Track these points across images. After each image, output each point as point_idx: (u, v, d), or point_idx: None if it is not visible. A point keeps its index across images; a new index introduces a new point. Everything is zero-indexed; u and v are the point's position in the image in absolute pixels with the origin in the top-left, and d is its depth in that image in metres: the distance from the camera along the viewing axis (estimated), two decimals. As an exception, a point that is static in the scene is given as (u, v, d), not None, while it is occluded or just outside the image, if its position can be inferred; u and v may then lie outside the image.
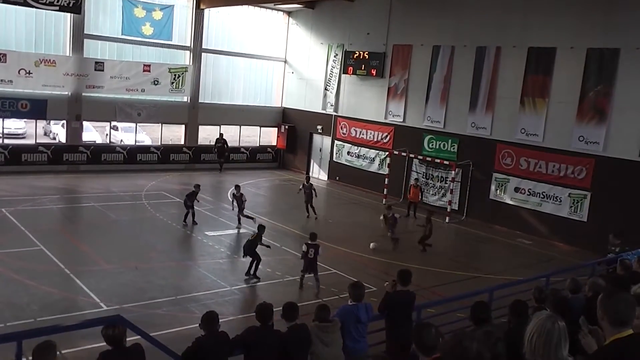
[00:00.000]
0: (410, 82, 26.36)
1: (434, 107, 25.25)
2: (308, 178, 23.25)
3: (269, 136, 33.31)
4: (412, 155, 25.52)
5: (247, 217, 19.47)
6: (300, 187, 22.34)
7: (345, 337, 7.48)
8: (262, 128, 32.69)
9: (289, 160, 32.78)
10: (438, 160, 24.55)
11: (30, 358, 5.27)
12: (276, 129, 32.94)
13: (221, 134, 29.94)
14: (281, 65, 33.05)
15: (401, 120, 26.68)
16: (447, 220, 23.35)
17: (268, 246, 15.47)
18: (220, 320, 6.75)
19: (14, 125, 30.26)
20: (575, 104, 20.66)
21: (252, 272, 14.85)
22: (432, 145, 25.33)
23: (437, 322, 9.05)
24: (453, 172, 23.76)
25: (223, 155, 29.95)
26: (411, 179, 25.85)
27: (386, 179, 26.03)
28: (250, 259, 14.93)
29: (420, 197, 23.83)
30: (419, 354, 4.42)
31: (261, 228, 15.32)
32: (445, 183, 24.65)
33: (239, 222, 19.49)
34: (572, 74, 20.78)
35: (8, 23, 25.15)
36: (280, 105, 33.21)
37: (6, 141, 26.21)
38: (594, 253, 18.17)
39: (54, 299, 12.43)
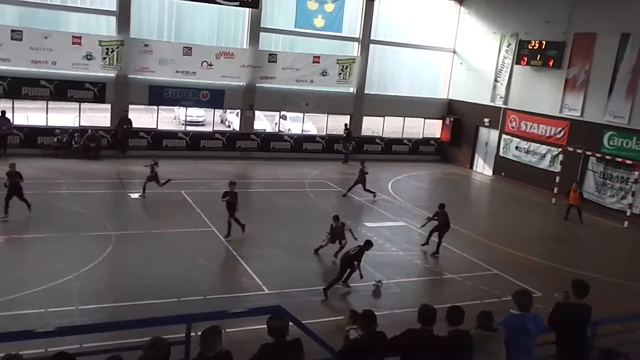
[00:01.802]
0: (591, 73, 24.21)
1: (618, 100, 22.94)
2: None
3: (433, 128, 32.61)
4: (588, 153, 23.45)
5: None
6: None
7: (510, 349, 6.89)
8: (426, 120, 32.07)
9: (452, 154, 31.83)
10: (619, 159, 22.30)
11: (199, 335, 5.46)
12: (441, 121, 32.13)
13: (346, 124, 29.27)
14: (449, 56, 32.10)
15: (578, 114, 24.63)
16: (625, 225, 21.20)
17: (361, 276, 13.26)
18: (377, 314, 6.53)
19: (195, 113, 32.61)
20: None
21: (343, 280, 13.24)
22: (614, 142, 23.07)
23: (616, 342, 8.14)
24: (636, 172, 21.45)
25: (346, 147, 28.78)
26: (586, 178, 23.80)
27: (557, 177, 24.21)
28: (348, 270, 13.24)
29: (580, 200, 21.64)
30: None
31: (367, 244, 13.43)
32: (627, 184, 22.34)
33: (335, 256, 15.06)
34: None
35: (194, 19, 27.07)
36: (446, 97, 32.31)
37: (188, 128, 28.35)
38: None
39: (222, 279, 13.11)
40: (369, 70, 30.28)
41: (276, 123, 30.94)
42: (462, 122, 31.09)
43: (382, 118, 30.83)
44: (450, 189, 25.45)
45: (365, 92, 30.21)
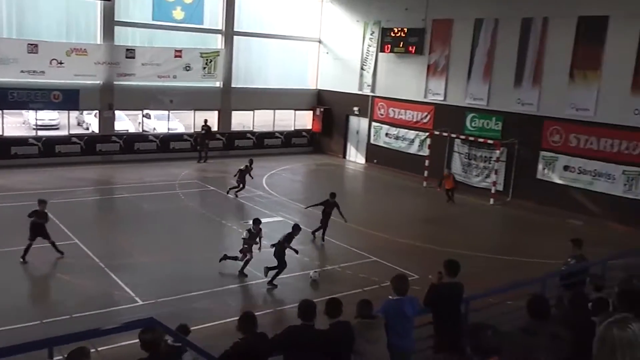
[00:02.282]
0: (451, 58, 25.69)
1: (476, 83, 24.56)
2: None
3: (304, 119, 33.02)
4: (453, 135, 24.93)
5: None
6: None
7: (390, 334, 7.16)
8: (296, 111, 32.43)
9: (325, 144, 32.46)
10: (481, 140, 23.92)
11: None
12: (311, 112, 32.64)
13: (205, 120, 28.63)
14: (315, 46, 32.65)
15: (442, 98, 26.08)
16: (491, 202, 22.79)
17: (296, 251, 14.29)
18: (257, 313, 6.54)
19: (47, 116, 30.65)
20: (630, 76, 19.79)
21: (271, 279, 13.65)
22: (475, 124, 24.69)
23: (488, 315, 8.73)
24: (497, 151, 23.13)
25: (204, 144, 28.11)
26: (452, 160, 25.30)
27: (427, 161, 25.52)
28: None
29: (455, 183, 23.15)
30: (473, 356, 4.10)
31: (296, 228, 14.08)
32: (489, 163, 24.02)
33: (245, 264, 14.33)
34: (625, 43, 19.90)
35: (39, 13, 25.35)
36: (315, 88, 32.85)
37: (40, 133, 26.58)
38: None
39: (90, 294, 12.44)
40: (235, 63, 30.05)
41: (139, 122, 29.85)
42: (332, 111, 31.78)
43: (252, 112, 30.75)
44: (325, 180, 25.92)
45: (233, 85, 29.96)
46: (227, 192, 21.35)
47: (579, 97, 21.17)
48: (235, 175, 21.52)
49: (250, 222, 15.16)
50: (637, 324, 3.42)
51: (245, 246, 14.16)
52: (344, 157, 31.14)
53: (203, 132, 28.24)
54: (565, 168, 21.73)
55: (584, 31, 21.02)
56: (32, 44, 24.40)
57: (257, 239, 14.38)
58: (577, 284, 9.71)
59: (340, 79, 31.19)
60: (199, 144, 28.28)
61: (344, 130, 31.25)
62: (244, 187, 21.39)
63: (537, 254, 16.71)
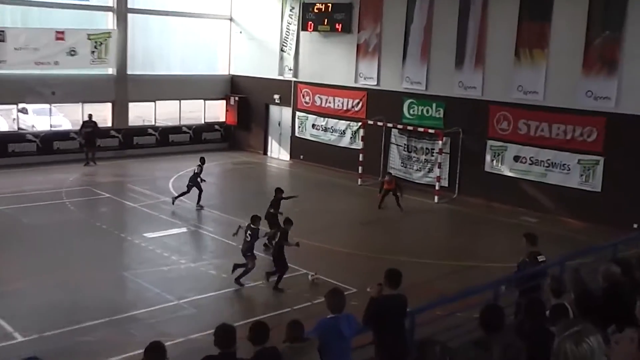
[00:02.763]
0: (383, 37, 26.03)
1: (413, 65, 24.99)
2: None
3: (216, 111, 32.69)
4: (390, 125, 25.27)
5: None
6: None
7: (326, 357, 7.13)
8: (207, 101, 32.07)
9: (242, 139, 32.23)
10: (421, 129, 24.37)
11: None
12: (224, 101, 32.34)
13: (90, 115, 27.76)
14: (226, 25, 32.34)
15: (375, 83, 26.40)
16: (436, 200, 23.24)
17: (297, 244, 14.70)
18: (167, 344, 6.39)
19: None
20: (580, 54, 20.61)
21: (275, 284, 14.50)
22: (414, 111, 25.13)
23: (436, 329, 8.85)
24: (440, 142, 23.61)
25: (92, 144, 27.37)
26: (390, 153, 25.65)
27: (361, 155, 25.76)
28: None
29: (395, 185, 23.29)
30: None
31: (287, 222, 14.99)
32: (432, 156, 24.50)
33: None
34: (574, 19, 20.72)
35: None
36: (227, 73, 32.58)
37: None
38: (611, 228, 18.22)
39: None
40: (131, 47, 29.41)
41: (14, 119, 28.71)
42: (249, 101, 31.60)
43: (153, 103, 30.17)
44: (243, 181, 25.74)
45: (129, 72, 29.29)
46: (173, 202, 20.81)
47: (527, 79, 21.89)
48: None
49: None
50: (594, 336, 3.47)
51: (249, 254, 14.67)
52: (265, 153, 31.03)
53: (89, 129, 27.32)
54: (516, 159, 22.45)
55: (529, 5, 21.75)
56: None
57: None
58: (534, 289, 9.98)
59: (257, 62, 31.03)
60: (85, 144, 27.40)
61: (264, 123, 31.14)
62: (188, 192, 20.74)
63: (489, 256, 17.17)
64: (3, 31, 25.87)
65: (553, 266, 11.01)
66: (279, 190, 17.73)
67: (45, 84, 27.04)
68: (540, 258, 11.01)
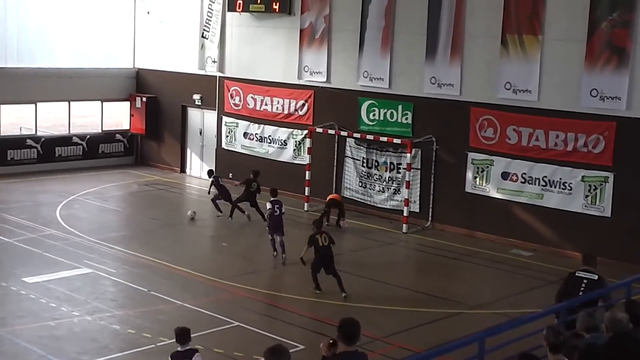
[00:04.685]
0: (333, 20, 26.22)
1: (372, 56, 25.29)
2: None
3: (118, 115, 32.43)
4: (344, 133, 25.45)
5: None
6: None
7: None
8: (105, 103, 31.88)
9: (152, 152, 32.07)
10: (384, 139, 24.65)
11: None
12: (128, 103, 32.16)
13: None
14: (129, 3, 32.25)
15: (324, 79, 26.56)
16: (404, 230, 23.48)
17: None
18: None
19: None
20: (583, 41, 21.07)
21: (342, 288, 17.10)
22: (374, 115, 25.38)
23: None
24: (408, 154, 23.90)
25: None
26: (345, 170, 25.83)
27: (307, 173, 25.85)
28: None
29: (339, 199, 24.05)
30: None
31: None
32: (398, 172, 24.76)
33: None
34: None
35: None
36: (132, 67, 32.49)
37: None
38: (624, 263, 18.69)
39: None
40: (1, 31, 29.24)
41: None
42: (161, 102, 31.52)
43: (34, 106, 29.82)
44: (153, 208, 25.53)
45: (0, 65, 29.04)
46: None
47: (516, 74, 22.32)
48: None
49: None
50: None
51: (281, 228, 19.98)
52: (183, 171, 31.01)
53: None
54: (505, 176, 22.80)
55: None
56: None
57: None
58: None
59: (170, 52, 31.03)
60: None
61: (181, 131, 31.11)
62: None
63: (472, 301, 17.43)
64: None
65: (549, 313, 11.31)
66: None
67: None
68: (583, 274, 11.61)
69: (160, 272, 18.87)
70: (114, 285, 17.92)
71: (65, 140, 30.96)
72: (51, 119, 30.50)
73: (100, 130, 31.95)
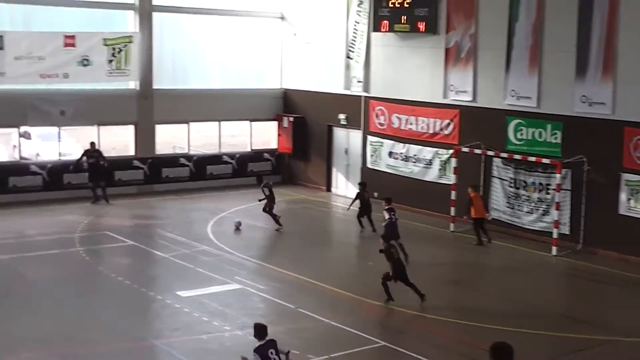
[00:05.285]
0: (479, 38, 25.97)
1: (519, 75, 24.87)
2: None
3: (266, 135, 33.06)
4: (490, 153, 25.12)
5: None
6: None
7: None
8: (253, 123, 32.54)
9: (299, 171, 32.53)
10: (533, 159, 24.20)
11: None
12: (276, 123, 32.75)
13: (92, 143, 28.53)
14: (277, 25, 32.89)
15: (469, 98, 26.32)
16: (554, 252, 22.90)
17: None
18: None
19: None
20: None
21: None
22: (522, 134, 24.96)
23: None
24: (558, 175, 23.39)
25: (100, 176, 28.22)
26: (492, 189, 25.48)
27: (453, 192, 25.64)
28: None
29: (485, 209, 23.90)
30: None
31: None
32: (547, 193, 24.24)
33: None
34: None
35: None
36: (279, 87, 33.03)
37: None
38: None
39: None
40: (158, 54, 30.23)
41: (15, 146, 29.64)
42: (307, 122, 31.93)
43: (187, 125, 30.78)
44: (301, 226, 25.85)
45: (155, 87, 30.07)
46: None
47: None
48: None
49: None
50: None
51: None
52: (329, 189, 31.25)
53: (92, 160, 27.95)
54: (661, 198, 22.05)
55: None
56: None
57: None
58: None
59: (316, 73, 31.39)
60: (90, 178, 28.01)
61: (327, 150, 31.39)
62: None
63: (625, 329, 16.81)
64: (1, 36, 26.79)
65: None
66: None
67: (52, 102, 27.93)
68: None
69: (306, 289, 19.05)
70: (262, 302, 18.21)
71: (215, 159, 31.80)
72: (202, 138, 31.37)
73: (249, 150, 32.65)
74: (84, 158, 28.07)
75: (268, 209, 24.69)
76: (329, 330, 16.35)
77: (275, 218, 24.66)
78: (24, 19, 28.47)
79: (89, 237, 23.29)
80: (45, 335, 15.50)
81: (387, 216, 21.30)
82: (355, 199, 25.13)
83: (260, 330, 11.54)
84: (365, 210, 24.83)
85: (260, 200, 24.95)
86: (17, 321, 16.27)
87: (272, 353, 11.23)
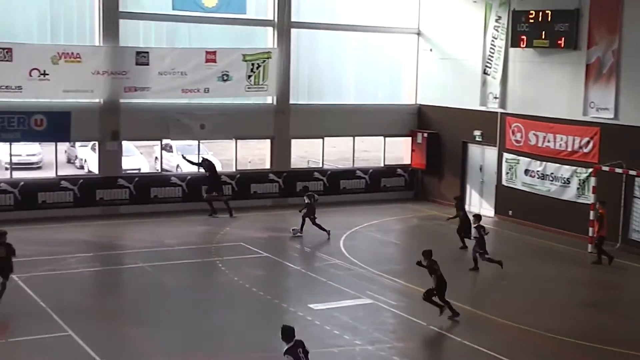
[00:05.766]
0: (623, 54, 25.28)
1: (665, 91, 24.12)
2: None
3: (399, 150, 32.98)
4: (633, 173, 24.33)
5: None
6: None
7: None
8: (387, 138, 32.58)
9: (431, 187, 32.35)
10: (681, 179, 23.35)
11: None
12: (409, 139, 32.69)
13: (204, 159, 28.83)
14: (413, 41, 32.85)
15: (611, 116, 25.63)
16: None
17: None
18: None
19: (25, 150, 31.76)
20: None
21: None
22: (668, 153, 24.15)
23: None
24: None
25: (218, 189, 28.43)
26: (633, 210, 24.62)
27: (592, 212, 24.94)
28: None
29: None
30: None
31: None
32: (696, 216, 23.33)
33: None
34: None
35: (12, 6, 26.66)
36: (414, 103, 32.95)
37: (16, 175, 27.59)
38: None
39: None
40: (295, 70, 30.61)
41: (157, 158, 30.58)
42: (442, 138, 31.73)
43: (321, 140, 31.06)
44: (434, 244, 25.49)
45: (291, 102, 30.48)
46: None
47: None
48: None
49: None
50: None
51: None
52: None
53: (207, 173, 28.30)
54: None
55: None
56: (4, 48, 25.53)
57: None
58: None
59: (451, 88, 31.23)
60: (210, 189, 28.25)
61: (461, 167, 31.15)
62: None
63: None
64: (146, 53, 27.76)
65: None
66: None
67: (192, 116, 28.68)
68: None
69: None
70: (393, 317, 18.13)
71: (349, 174, 31.95)
72: (335, 153, 31.60)
73: (382, 165, 32.66)
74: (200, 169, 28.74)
75: (306, 217, 25.11)
76: (464, 349, 16.14)
77: (303, 224, 25.08)
78: (167, 36, 29.28)
79: (224, 247, 23.77)
80: (180, 342, 15.84)
81: (475, 233, 21.97)
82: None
83: (288, 333, 11.86)
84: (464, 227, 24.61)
85: (300, 211, 25.33)
86: (154, 327, 16.77)
87: (300, 352, 11.65)
